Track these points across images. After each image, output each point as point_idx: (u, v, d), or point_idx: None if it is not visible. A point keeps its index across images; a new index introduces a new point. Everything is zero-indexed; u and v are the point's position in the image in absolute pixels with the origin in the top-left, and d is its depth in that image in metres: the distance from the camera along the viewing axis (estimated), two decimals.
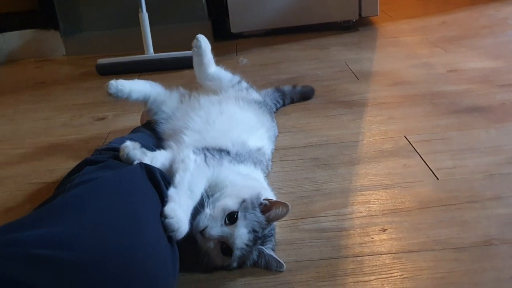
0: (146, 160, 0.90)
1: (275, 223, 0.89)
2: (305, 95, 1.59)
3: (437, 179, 1.09)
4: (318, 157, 1.22)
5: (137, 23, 2.04)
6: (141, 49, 2.07)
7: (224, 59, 2.21)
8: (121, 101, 1.29)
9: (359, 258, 0.86)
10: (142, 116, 1.41)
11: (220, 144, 0.99)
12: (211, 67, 1.31)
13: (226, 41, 2.47)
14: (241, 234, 0.81)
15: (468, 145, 1.23)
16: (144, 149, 0.94)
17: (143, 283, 0.66)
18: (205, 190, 0.86)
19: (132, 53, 2.11)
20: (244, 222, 0.82)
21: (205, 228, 0.81)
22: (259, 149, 1.07)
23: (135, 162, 0.89)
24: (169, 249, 0.76)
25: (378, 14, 2.48)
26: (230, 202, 0.83)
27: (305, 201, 1.04)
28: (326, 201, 1.04)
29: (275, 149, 1.26)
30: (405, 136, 1.29)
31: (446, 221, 0.94)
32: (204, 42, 1.30)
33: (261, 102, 1.31)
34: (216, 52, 2.26)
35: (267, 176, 1.08)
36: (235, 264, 0.83)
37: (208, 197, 0.85)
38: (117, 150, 0.95)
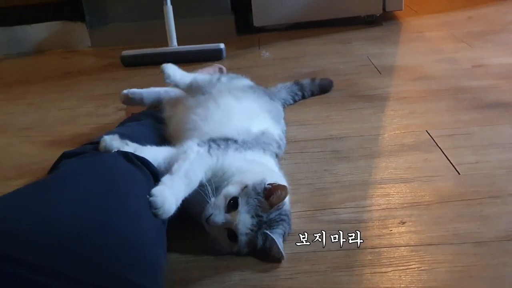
0: (127, 149, 0.92)
1: (288, 209, 0.89)
2: (324, 88, 1.60)
3: (459, 174, 1.08)
4: (338, 150, 1.22)
5: (161, 15, 2.07)
6: (165, 41, 2.10)
7: (246, 52, 2.22)
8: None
9: (377, 250, 0.86)
10: (127, 109, 1.41)
11: (225, 133, 1.00)
12: (187, 78, 1.28)
13: (248, 34, 2.48)
14: (243, 219, 0.82)
15: (491, 141, 1.21)
16: (126, 141, 0.95)
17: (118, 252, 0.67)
18: (211, 180, 0.88)
19: (156, 45, 2.14)
20: (246, 207, 0.83)
21: (210, 216, 0.83)
22: (263, 133, 1.07)
23: (113, 151, 0.91)
24: (152, 224, 0.78)
25: (403, 8, 2.45)
26: (231, 189, 0.85)
27: (324, 193, 1.05)
28: (345, 193, 1.04)
29: (295, 141, 1.27)
30: (427, 131, 1.28)
31: (466, 215, 0.93)
32: (168, 69, 1.26)
33: (253, 86, 1.30)
34: (238, 45, 2.31)
35: (281, 155, 1.11)
36: (244, 250, 0.85)
37: (213, 187, 0.86)
38: (98, 143, 0.96)
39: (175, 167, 0.86)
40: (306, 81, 1.57)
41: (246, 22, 2.52)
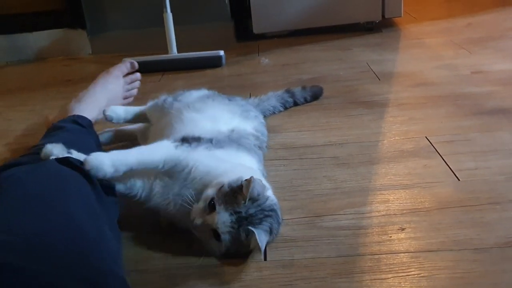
0: (70, 155, 0.93)
1: (273, 204, 0.88)
2: (315, 95, 1.61)
3: (458, 180, 1.08)
4: (338, 156, 1.22)
5: (161, 23, 2.08)
6: (165, 49, 2.11)
7: (246, 59, 2.23)
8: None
9: (376, 256, 0.86)
10: (46, 119, 1.39)
11: (195, 133, 1.01)
12: (132, 110, 1.32)
13: (248, 41, 2.49)
14: (222, 218, 0.82)
15: (491, 147, 1.21)
16: (70, 150, 0.95)
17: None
18: (189, 188, 0.89)
19: (156, 52, 2.14)
20: (224, 206, 0.83)
21: (193, 220, 0.85)
22: (233, 130, 1.08)
23: (52, 158, 0.91)
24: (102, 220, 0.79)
25: (402, 15, 2.46)
26: (210, 191, 0.86)
27: (324, 199, 1.05)
28: (345, 199, 1.04)
29: (294, 147, 1.27)
30: (426, 137, 1.28)
31: (466, 221, 0.93)
32: (109, 112, 1.27)
33: (209, 94, 1.29)
34: (238, 52, 2.32)
35: (266, 145, 1.16)
36: (232, 248, 0.84)
37: (192, 194, 0.87)
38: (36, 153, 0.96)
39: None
40: (297, 89, 1.59)
41: (246, 29, 2.53)
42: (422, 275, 0.80)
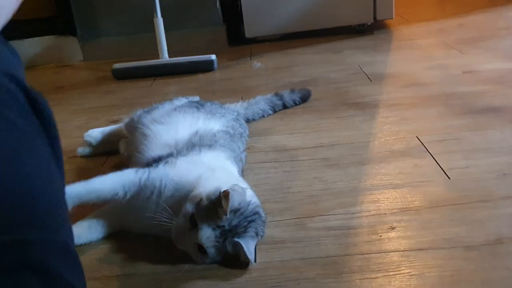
0: None
1: (255, 207, 0.86)
2: (304, 97, 1.61)
3: (449, 178, 1.07)
4: (328, 157, 1.22)
5: (152, 28, 2.08)
6: (157, 54, 2.10)
7: (238, 63, 2.23)
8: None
9: (366, 256, 0.85)
10: None
11: (154, 154, 1.02)
12: (107, 130, 1.37)
13: (240, 46, 2.49)
14: (205, 234, 0.81)
15: (482, 145, 1.21)
16: None
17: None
18: (161, 202, 0.88)
19: (148, 58, 2.14)
20: (206, 221, 0.81)
21: (175, 238, 0.84)
22: (196, 133, 1.07)
23: None
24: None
25: (393, 17, 2.47)
26: (188, 207, 0.84)
27: (314, 200, 1.04)
28: (335, 200, 1.03)
29: (285, 149, 1.26)
30: (417, 137, 1.28)
31: (457, 220, 0.92)
32: (88, 137, 1.35)
33: (177, 106, 1.27)
34: (230, 56, 2.31)
35: (245, 136, 1.19)
36: (218, 258, 0.84)
37: (167, 208, 0.86)
38: None
39: None
40: (285, 92, 1.59)
41: (238, 34, 2.53)
42: (412, 273, 0.80)
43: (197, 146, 1.02)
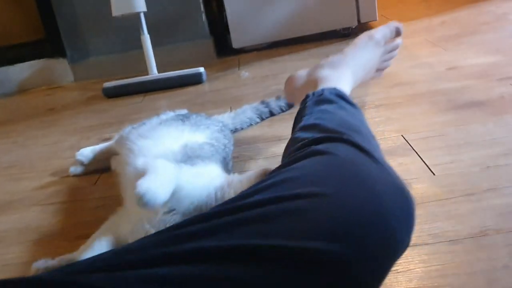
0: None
1: None
2: (290, 103, 1.63)
3: (434, 174, 1.09)
4: None
5: (140, 45, 2.11)
6: (146, 70, 2.13)
7: (226, 74, 2.25)
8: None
9: None
10: None
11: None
12: (97, 148, 1.42)
13: (228, 56, 2.52)
14: None
15: (465, 140, 1.23)
16: None
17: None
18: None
19: (137, 75, 2.17)
20: None
21: None
22: (185, 145, 1.06)
23: None
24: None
25: (377, 19, 2.50)
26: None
27: None
28: None
29: (273, 156, 1.28)
30: (402, 135, 1.30)
31: (441, 215, 0.94)
32: (80, 156, 1.40)
33: (163, 120, 1.29)
34: (218, 67, 2.34)
35: (230, 148, 1.20)
36: None
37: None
38: None
39: None
40: (271, 99, 1.62)
41: (225, 45, 2.56)
42: (398, 271, 0.81)
43: (201, 159, 1.02)
